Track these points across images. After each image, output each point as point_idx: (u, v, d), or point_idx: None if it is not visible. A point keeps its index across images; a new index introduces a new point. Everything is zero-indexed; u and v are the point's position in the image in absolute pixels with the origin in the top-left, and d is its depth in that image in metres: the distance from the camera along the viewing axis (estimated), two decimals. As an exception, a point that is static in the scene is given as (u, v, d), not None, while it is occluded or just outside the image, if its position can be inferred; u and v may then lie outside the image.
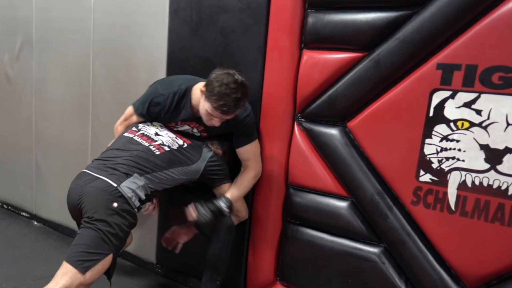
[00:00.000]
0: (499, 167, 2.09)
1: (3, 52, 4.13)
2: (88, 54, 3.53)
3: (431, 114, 2.22)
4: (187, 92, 2.57)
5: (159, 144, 2.57)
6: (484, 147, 2.12)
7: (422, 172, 2.27)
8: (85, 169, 2.50)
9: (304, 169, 2.63)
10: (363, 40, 2.38)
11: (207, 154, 2.66)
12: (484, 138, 2.12)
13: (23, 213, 4.36)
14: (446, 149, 2.20)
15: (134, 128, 2.69)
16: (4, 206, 4.52)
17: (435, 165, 2.23)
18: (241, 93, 2.36)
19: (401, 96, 2.30)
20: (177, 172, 2.54)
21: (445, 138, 2.20)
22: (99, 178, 2.37)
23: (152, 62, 3.17)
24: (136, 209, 2.39)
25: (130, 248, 3.47)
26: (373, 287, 2.47)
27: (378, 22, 2.32)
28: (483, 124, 2.12)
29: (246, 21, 2.71)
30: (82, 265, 2.21)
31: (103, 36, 3.42)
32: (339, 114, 2.51)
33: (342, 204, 2.54)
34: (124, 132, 2.70)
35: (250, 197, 2.83)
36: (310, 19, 2.53)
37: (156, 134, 2.65)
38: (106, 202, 2.29)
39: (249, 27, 2.70)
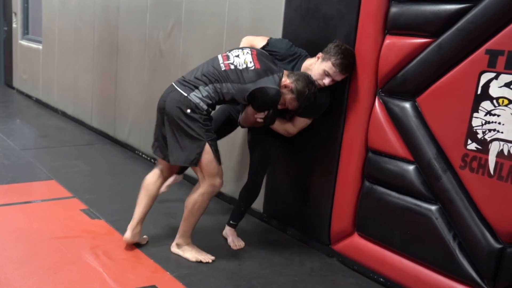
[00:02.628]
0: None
1: (158, 30, 5.20)
2: (222, 34, 4.42)
3: (479, 92, 2.75)
4: (301, 58, 3.50)
5: (229, 63, 3.28)
6: (520, 122, 2.62)
7: (469, 141, 2.81)
8: (173, 82, 3.39)
9: (380, 136, 3.26)
10: (431, 28, 2.95)
11: (266, 82, 3.22)
12: (521, 114, 2.62)
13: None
14: (489, 122, 2.72)
15: (227, 51, 3.44)
16: (152, 160, 5.61)
17: (479, 135, 2.76)
18: (354, 61, 3.29)
19: (457, 76, 2.85)
20: (232, 87, 3.22)
21: (488, 113, 2.72)
22: (176, 89, 3.27)
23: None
24: (205, 111, 3.22)
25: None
26: (427, 239, 3.04)
27: (443, 13, 2.88)
28: (522, 102, 2.61)
29: (342, 10, 3.39)
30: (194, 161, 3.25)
31: (234, 19, 4.28)
32: (410, 90, 3.10)
33: (409, 167, 3.14)
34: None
35: (337, 158, 3.51)
36: (393, 9, 3.14)
37: (237, 56, 3.33)
38: (182, 108, 3.19)
39: (344, 15, 3.38)
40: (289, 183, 3.92)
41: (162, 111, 3.32)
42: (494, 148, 2.71)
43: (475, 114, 2.78)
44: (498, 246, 2.75)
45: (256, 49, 3.42)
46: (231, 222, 3.84)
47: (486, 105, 2.73)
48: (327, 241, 3.69)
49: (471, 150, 2.81)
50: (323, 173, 3.63)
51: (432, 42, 2.97)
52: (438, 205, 3.00)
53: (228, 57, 3.34)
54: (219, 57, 3.37)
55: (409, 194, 3.14)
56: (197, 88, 3.23)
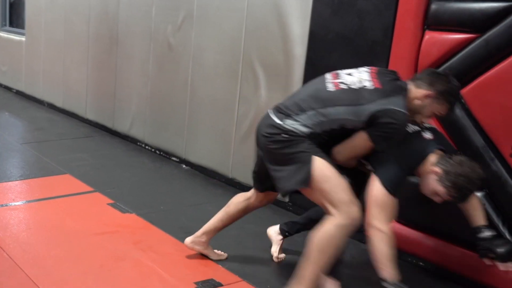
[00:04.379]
0: None
1: (166, 23, 5.04)
2: (241, 29, 4.32)
3: (529, 85, 2.80)
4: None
5: (339, 82, 2.61)
6: None
7: (520, 131, 2.85)
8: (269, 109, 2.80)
9: (420, 126, 3.27)
10: (476, 24, 2.98)
11: (392, 103, 2.49)
12: None
13: (173, 158, 5.29)
14: (538, 114, 2.77)
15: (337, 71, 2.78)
16: (157, 151, 5.48)
17: (529, 126, 2.81)
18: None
19: (505, 70, 2.88)
20: (344, 111, 2.52)
21: (539, 104, 2.77)
22: (269, 117, 2.68)
23: (295, 37, 3.90)
24: (305, 134, 2.55)
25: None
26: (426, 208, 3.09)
27: (490, 10, 2.90)
28: None
29: (379, 6, 3.37)
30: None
31: (255, 14, 4.18)
32: (453, 83, 3.11)
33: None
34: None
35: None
36: (433, 6, 3.14)
37: (349, 74, 2.67)
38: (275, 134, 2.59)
39: (381, 11, 3.36)
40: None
41: (257, 142, 2.79)
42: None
43: (524, 106, 2.83)
44: (547, 229, 2.83)
45: (375, 67, 2.76)
46: (286, 231, 3.38)
47: (536, 97, 2.78)
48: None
49: (522, 139, 2.85)
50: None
51: (476, 37, 2.99)
52: (486, 191, 3.04)
53: (338, 75, 2.69)
54: (327, 75, 2.72)
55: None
56: (296, 114, 2.59)
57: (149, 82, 5.37)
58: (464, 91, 3.08)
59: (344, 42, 3.57)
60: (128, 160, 5.26)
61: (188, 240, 3.21)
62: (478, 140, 3.03)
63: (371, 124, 2.49)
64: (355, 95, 2.53)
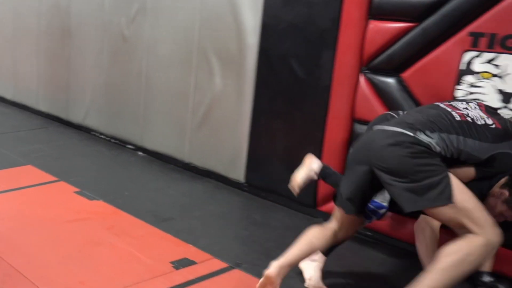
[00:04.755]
0: (509, 105, 2.96)
1: (120, 16, 5.12)
2: (194, 20, 4.48)
3: (462, 67, 3.10)
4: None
5: (463, 114, 2.50)
6: (499, 91, 2.99)
7: (454, 109, 3.16)
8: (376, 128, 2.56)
9: (367, 108, 3.54)
10: (415, 14, 3.26)
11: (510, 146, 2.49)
12: (500, 85, 2.99)
13: (129, 146, 5.40)
14: (471, 93, 3.08)
15: (446, 102, 2.70)
16: (112, 140, 5.57)
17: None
18: None
19: (441, 55, 3.19)
20: (469, 143, 2.41)
21: (471, 85, 3.08)
22: (391, 130, 2.42)
23: (248, 27, 4.10)
24: (437, 152, 2.37)
25: (221, 170, 4.47)
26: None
27: (427, 1, 3.19)
28: (501, 75, 2.99)
29: (328, 0, 3.60)
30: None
31: (209, 5, 4.35)
32: (395, 68, 3.40)
33: (394, 134, 3.45)
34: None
35: (322, 128, 3.76)
36: (376, -3, 3.41)
37: (466, 108, 2.59)
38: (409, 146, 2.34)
39: (329, 2, 3.60)
40: (274, 154, 4.11)
41: (365, 162, 2.46)
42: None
43: (457, 87, 3.14)
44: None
45: (481, 103, 2.75)
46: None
47: (468, 78, 3.09)
48: (313, 204, 3.95)
49: (456, 117, 3.16)
50: (310, 142, 3.86)
51: (415, 26, 3.28)
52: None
53: (455, 107, 2.57)
54: (442, 105, 2.59)
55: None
56: (425, 130, 2.39)
57: (103, 73, 5.44)
58: (405, 75, 3.37)
59: (295, 31, 3.80)
60: (85, 149, 5.33)
61: (273, 272, 2.57)
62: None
63: (486, 162, 2.47)
64: (481, 131, 2.46)
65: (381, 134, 2.45)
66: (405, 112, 2.78)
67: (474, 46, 3.06)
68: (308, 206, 3.97)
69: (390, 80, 3.44)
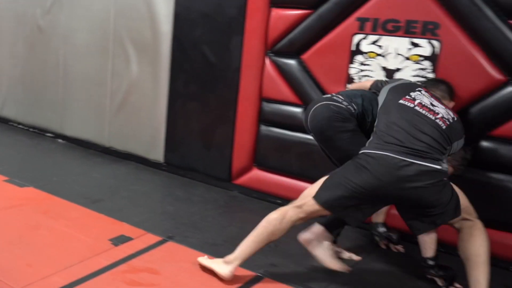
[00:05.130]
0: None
1: (35, 7, 5.20)
2: (109, 10, 4.66)
3: (353, 49, 3.52)
4: None
5: (442, 117, 2.66)
6: (384, 68, 3.44)
7: (348, 86, 3.58)
8: (389, 153, 2.52)
9: (273, 87, 3.91)
10: (311, 2, 3.65)
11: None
12: (383, 63, 3.43)
13: (48, 134, 5.50)
14: (362, 71, 3.51)
15: (408, 96, 2.74)
16: (31, 129, 5.63)
17: (356, 81, 3.54)
18: None
19: (335, 38, 3.59)
20: (457, 145, 2.76)
21: (361, 63, 3.50)
22: (419, 164, 2.49)
23: (161, 16, 4.34)
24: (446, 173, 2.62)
25: (141, 151, 4.71)
26: (318, 162, 3.78)
27: (321, -10, 3.59)
28: (383, 54, 3.43)
29: (233, -13, 3.93)
30: None
31: (122, -4, 4.56)
32: (296, 50, 3.78)
33: (298, 110, 3.84)
34: (399, 98, 2.75)
35: (234, 108, 4.08)
36: (277, -13, 3.77)
37: (432, 104, 2.72)
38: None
39: (235, -9, 3.93)
40: (191, 134, 4.39)
41: (393, 191, 2.52)
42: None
43: (351, 65, 3.56)
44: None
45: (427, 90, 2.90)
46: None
47: (359, 58, 3.52)
48: (228, 178, 4.27)
49: (349, 92, 3.59)
50: (223, 121, 4.18)
51: (312, 13, 3.67)
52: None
53: (429, 108, 2.71)
54: (420, 110, 2.67)
55: (300, 131, 3.84)
56: (441, 155, 2.60)
57: (19, 63, 5.50)
58: (304, 57, 3.76)
59: (205, 19, 4.09)
60: (5, 139, 5.36)
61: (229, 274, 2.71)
62: (318, 94, 3.71)
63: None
64: (456, 129, 2.73)
65: (416, 173, 2.49)
66: (395, 121, 2.67)
67: (361, 29, 3.48)
68: (224, 180, 4.29)
69: (292, 62, 3.82)
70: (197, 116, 4.33)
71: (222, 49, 4.08)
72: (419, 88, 2.83)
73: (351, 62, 3.55)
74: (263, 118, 4.02)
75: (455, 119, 2.73)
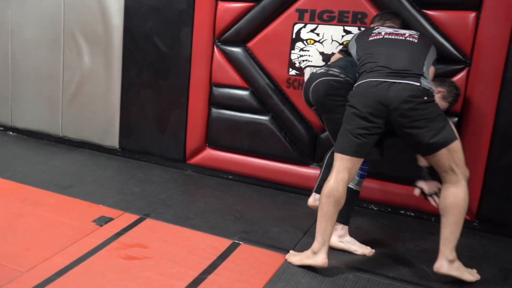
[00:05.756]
0: (328, 63, 3.88)
1: (-20, 3, 5.29)
2: (60, 5, 4.86)
3: (294, 36, 3.95)
4: None
5: (410, 35, 3.00)
6: (321, 53, 3.90)
7: (290, 70, 4.01)
8: (380, 78, 2.76)
9: (222, 73, 4.28)
10: (255, -5, 4.06)
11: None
12: (321, 48, 3.89)
13: (-3, 128, 5.62)
14: (302, 56, 3.96)
15: (373, 33, 3.08)
16: (-21, 124, 5.72)
17: (297, 65, 3.98)
18: None
19: (277, 27, 4.02)
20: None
21: (301, 49, 3.95)
22: (402, 82, 2.72)
23: (112, 10, 4.60)
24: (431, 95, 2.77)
25: (96, 139, 4.95)
26: (267, 140, 4.20)
27: (263, -15, 4.00)
28: (320, 41, 3.88)
29: (182, -17, 4.27)
30: None
31: (72, -8, 4.77)
32: (242, 39, 4.17)
33: (245, 93, 4.24)
34: (367, 38, 3.07)
35: (187, 94, 4.43)
36: (222, -18, 4.14)
37: (395, 30, 3.09)
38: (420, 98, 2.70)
39: (184, -13, 4.27)
40: (145, 120, 4.69)
41: (382, 114, 2.74)
42: (307, 72, 3.97)
43: (292, 51, 3.99)
44: (314, 133, 4.07)
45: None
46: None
47: (299, 44, 3.96)
48: (183, 159, 4.62)
49: (292, 75, 4.03)
50: (176, 106, 4.51)
51: (255, 5, 4.07)
52: (271, 115, 4.18)
53: (394, 33, 3.06)
54: (389, 37, 3.02)
55: (249, 112, 4.25)
56: (422, 76, 2.78)
57: (-35, 59, 5.55)
58: (250, 45, 4.16)
59: (156, 13, 4.40)
60: None
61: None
62: (263, 79, 4.14)
63: None
64: (425, 42, 3.06)
65: (399, 90, 2.71)
66: (375, 51, 2.97)
67: (300, 19, 3.92)
68: (178, 161, 4.63)
69: (238, 50, 4.21)
70: (151, 103, 4.63)
71: (173, 40, 4.40)
72: (377, 25, 3.26)
73: (292, 48, 3.98)
74: (214, 101, 4.39)
75: (419, 32, 3.09)
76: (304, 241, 3.26)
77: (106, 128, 4.90)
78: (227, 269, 2.88)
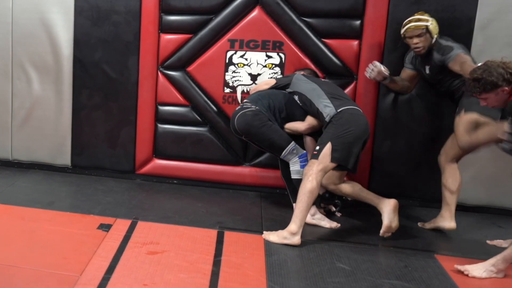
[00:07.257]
0: (256, 82, 4.77)
1: None
2: (8, 38, 5.30)
3: (227, 61, 4.82)
4: None
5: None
6: (249, 74, 4.79)
7: (225, 88, 4.87)
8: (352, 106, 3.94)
9: (166, 94, 5.03)
10: (192, 28, 4.87)
11: None
12: (249, 70, 4.79)
13: None
14: (234, 76, 4.82)
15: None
16: None
17: (230, 84, 4.85)
18: None
19: (213, 54, 4.87)
20: None
21: (234, 71, 4.82)
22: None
23: (62, 42, 5.17)
24: None
25: (49, 159, 5.43)
26: (207, 146, 5.00)
27: (199, 20, 4.83)
28: (248, 64, 4.78)
29: (128, 19, 4.97)
30: None
31: (22, 26, 5.21)
32: (182, 64, 4.96)
33: (187, 109, 5.01)
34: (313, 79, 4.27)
35: (135, 112, 5.11)
36: (165, 18, 4.90)
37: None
38: None
39: (130, 22, 4.97)
40: (97, 138, 5.27)
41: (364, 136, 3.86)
42: (239, 90, 4.85)
43: (226, 73, 4.85)
44: (248, 140, 4.94)
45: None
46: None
47: (232, 67, 4.83)
48: (132, 170, 5.26)
49: (227, 92, 4.88)
50: (126, 124, 5.16)
51: (193, 36, 4.88)
52: (209, 126, 4.99)
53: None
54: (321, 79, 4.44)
55: (190, 125, 5.03)
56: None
57: None
58: (189, 69, 4.96)
59: (105, 44, 5.06)
60: None
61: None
62: (201, 97, 4.94)
63: None
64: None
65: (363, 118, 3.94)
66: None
67: (231, 47, 4.81)
68: (128, 172, 5.27)
69: (179, 74, 4.99)
70: (102, 122, 5.23)
71: (121, 67, 5.07)
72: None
73: (226, 71, 4.85)
74: (159, 118, 5.11)
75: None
76: (265, 224, 4.04)
77: (58, 148, 5.37)
78: (230, 250, 3.42)
